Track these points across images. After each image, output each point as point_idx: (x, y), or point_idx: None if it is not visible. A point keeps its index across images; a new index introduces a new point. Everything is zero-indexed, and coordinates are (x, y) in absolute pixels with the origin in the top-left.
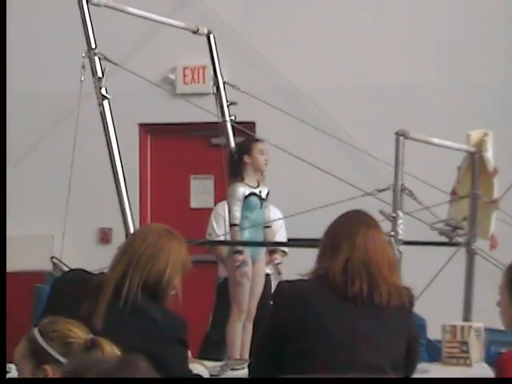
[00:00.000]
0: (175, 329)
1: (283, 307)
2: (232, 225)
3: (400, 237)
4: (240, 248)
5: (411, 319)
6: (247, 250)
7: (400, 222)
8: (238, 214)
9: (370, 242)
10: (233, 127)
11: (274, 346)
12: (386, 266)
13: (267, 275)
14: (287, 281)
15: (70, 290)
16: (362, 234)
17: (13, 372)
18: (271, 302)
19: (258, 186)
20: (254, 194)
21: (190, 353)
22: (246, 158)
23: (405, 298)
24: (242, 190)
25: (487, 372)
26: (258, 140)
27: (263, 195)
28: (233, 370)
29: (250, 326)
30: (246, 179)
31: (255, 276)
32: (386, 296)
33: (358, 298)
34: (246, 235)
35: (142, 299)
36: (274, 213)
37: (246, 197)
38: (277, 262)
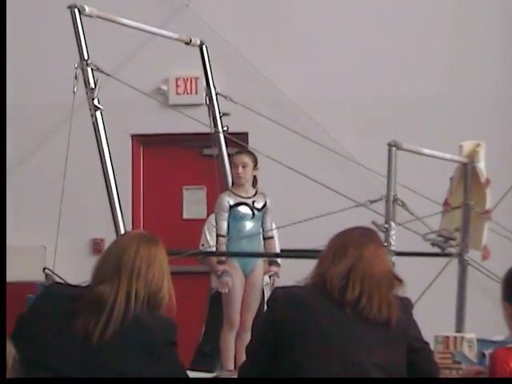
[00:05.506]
0: (167, 334)
1: (277, 314)
2: (218, 235)
3: (392, 248)
4: (223, 258)
5: (405, 331)
6: (235, 261)
7: (392, 232)
8: (223, 224)
9: (376, 259)
10: (225, 138)
11: (267, 351)
12: (386, 284)
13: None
14: (282, 287)
15: (52, 307)
16: (372, 250)
17: None
18: (265, 307)
19: (254, 196)
20: (244, 203)
21: None
22: (231, 170)
23: (394, 313)
24: (227, 199)
25: None
26: (238, 152)
27: (258, 205)
28: None
29: (246, 337)
30: (235, 189)
31: (249, 288)
32: (377, 310)
33: (352, 305)
34: (234, 245)
35: (141, 310)
36: None
37: (234, 206)
38: (270, 273)
